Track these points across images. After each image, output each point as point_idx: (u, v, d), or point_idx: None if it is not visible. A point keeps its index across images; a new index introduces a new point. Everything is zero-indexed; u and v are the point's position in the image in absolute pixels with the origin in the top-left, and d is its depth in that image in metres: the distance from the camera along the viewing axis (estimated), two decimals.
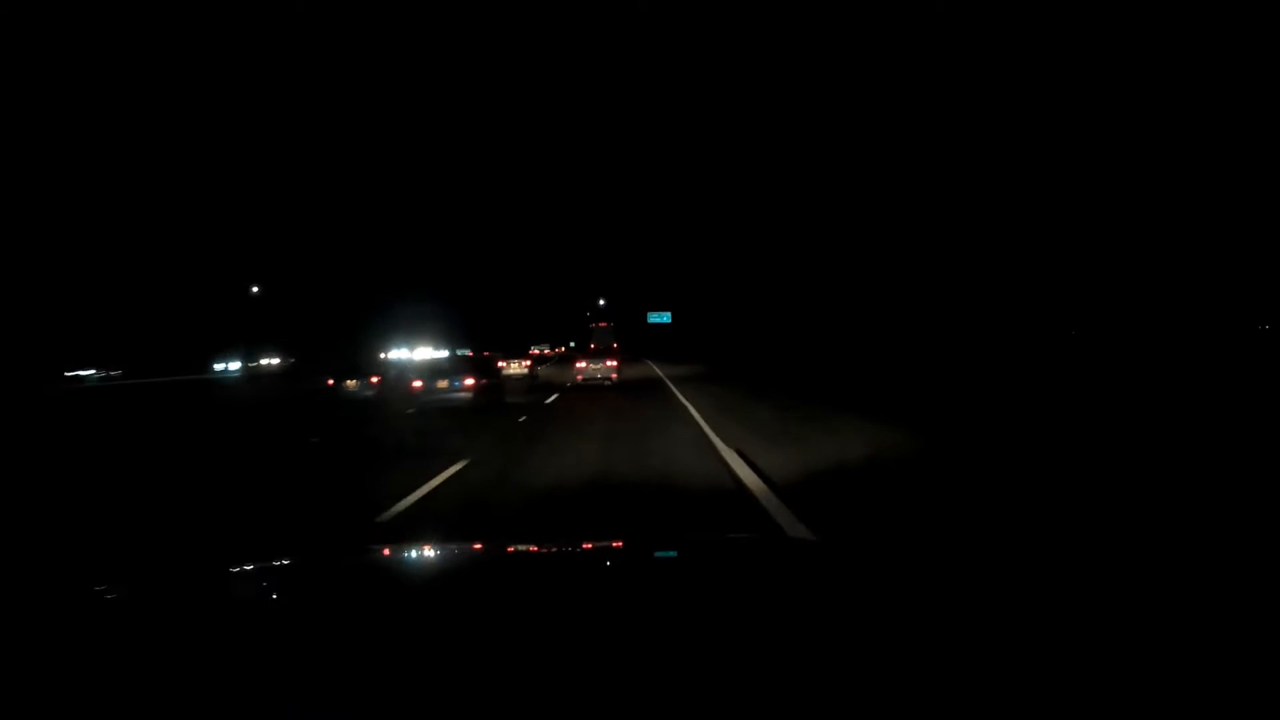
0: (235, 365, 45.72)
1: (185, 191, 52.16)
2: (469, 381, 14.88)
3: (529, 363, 30.90)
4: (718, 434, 9.32)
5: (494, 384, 16.69)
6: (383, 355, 34.20)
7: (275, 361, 47.95)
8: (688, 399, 15.23)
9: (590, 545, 1.70)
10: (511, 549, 1.84)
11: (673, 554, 1.67)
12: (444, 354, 41.30)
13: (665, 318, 63.18)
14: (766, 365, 29.60)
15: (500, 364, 20.94)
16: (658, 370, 32.36)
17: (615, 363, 22.47)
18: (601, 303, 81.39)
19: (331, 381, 17.96)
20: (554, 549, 1.73)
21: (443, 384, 14.91)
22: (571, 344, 68.84)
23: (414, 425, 12.44)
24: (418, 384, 15.50)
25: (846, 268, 33.60)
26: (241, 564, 1.50)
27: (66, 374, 39.94)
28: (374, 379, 17.85)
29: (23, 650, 0.98)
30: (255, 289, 51.43)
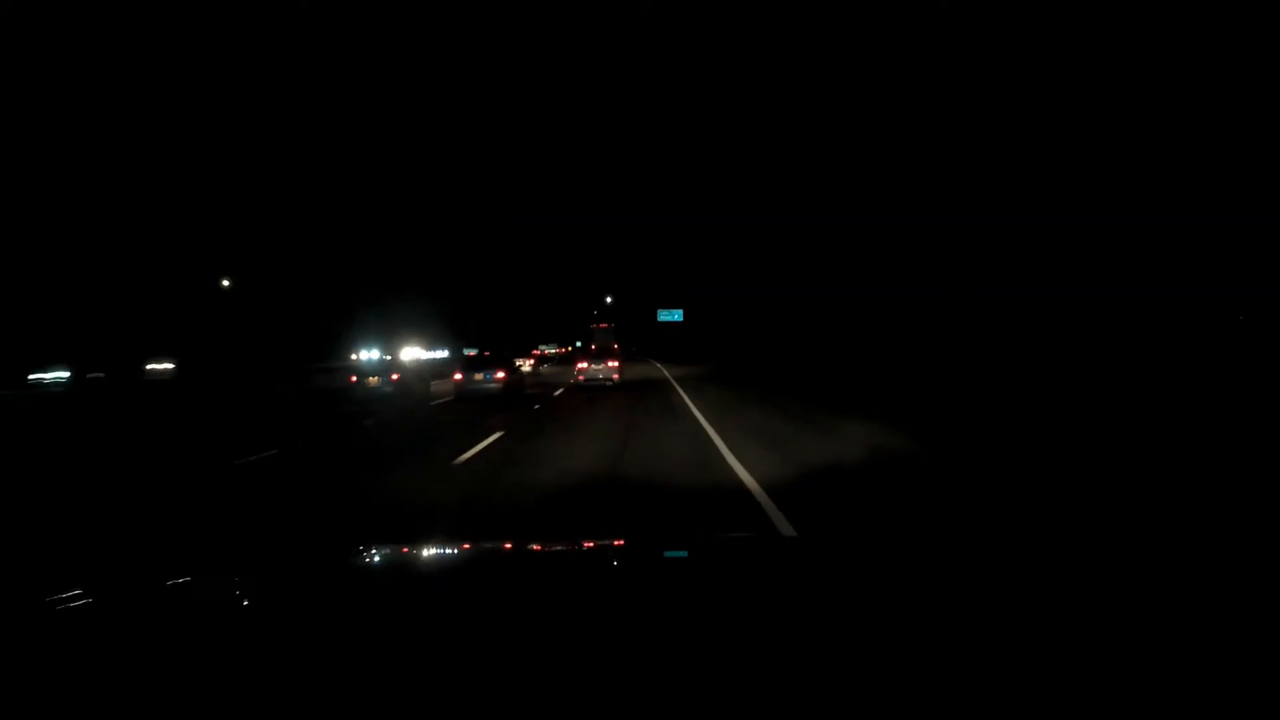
0: (62, 374, 36.48)
1: (161, 188, 48.10)
2: (500, 375, 19.37)
3: (532, 361, 34.98)
4: (719, 434, 10.00)
5: (517, 378, 20.91)
6: (353, 356, 34.08)
7: (166, 367, 40.57)
8: (690, 399, 16.11)
9: (590, 544, 1.79)
10: (512, 548, 1.91)
11: (669, 553, 1.78)
12: (444, 354, 43.12)
13: (676, 315, 61.60)
14: (782, 366, 29.75)
15: (516, 362, 24.05)
16: (664, 371, 32.88)
17: (617, 363, 23.14)
18: (608, 300, 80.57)
19: (354, 379, 19.74)
20: (550, 549, 1.82)
21: (479, 377, 19.44)
22: (578, 344, 68.98)
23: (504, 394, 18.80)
24: (458, 377, 19.82)
25: (860, 265, 34.39)
26: (244, 562, 1.46)
27: None
28: (394, 376, 19.63)
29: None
30: (226, 283, 44.05)
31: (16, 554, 5.13)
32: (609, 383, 22.30)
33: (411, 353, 38.84)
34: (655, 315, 62.61)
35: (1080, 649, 0.93)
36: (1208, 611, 1.06)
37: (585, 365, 23.23)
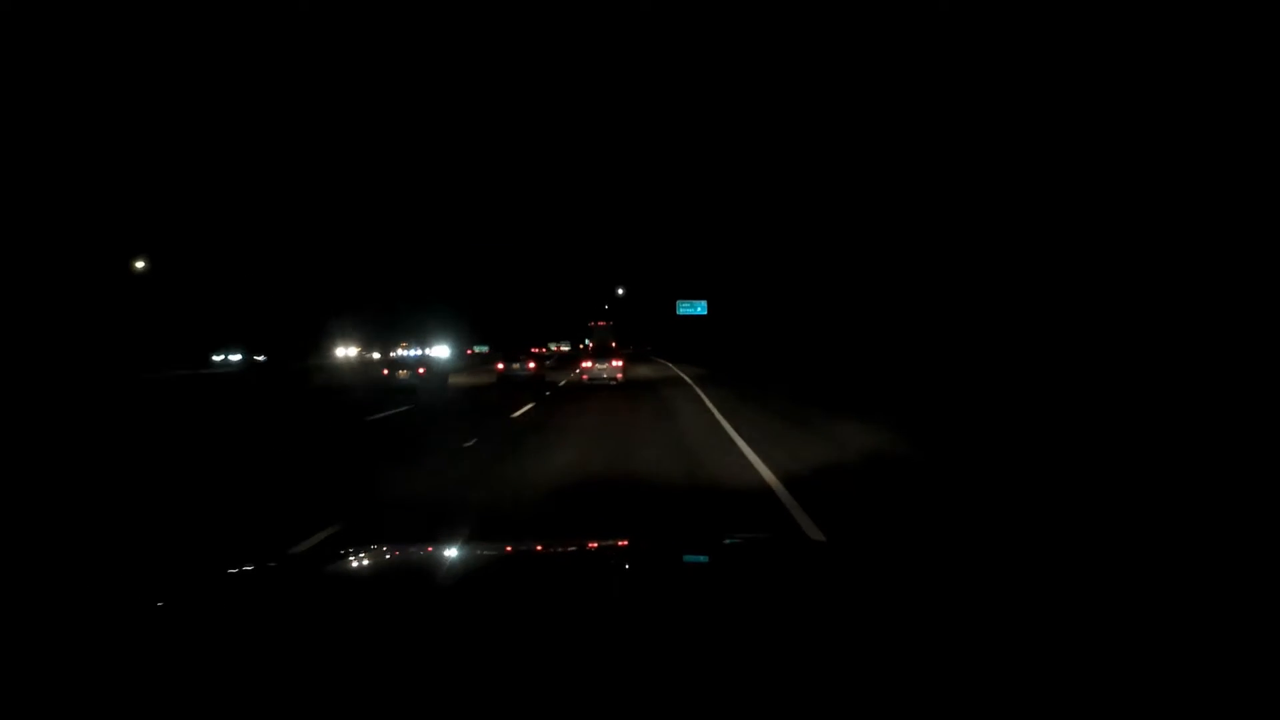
0: None
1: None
2: (531, 366, 25.38)
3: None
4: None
5: (542, 368, 27.27)
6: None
7: None
8: (705, 398, 16.66)
9: (595, 544, 1.82)
10: (515, 548, 1.92)
11: (678, 554, 1.81)
12: (446, 352, 44.52)
13: (699, 308, 57.99)
14: (821, 367, 29.93)
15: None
16: (677, 370, 33.46)
17: (621, 362, 25.05)
18: (620, 292, 77.54)
19: (386, 371, 22.85)
20: (557, 549, 1.85)
21: (515, 366, 25.39)
22: (588, 342, 69.22)
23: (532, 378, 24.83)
24: (500, 366, 26.02)
25: (879, 261, 34.30)
26: (241, 563, 1.53)
27: None
28: (420, 370, 21.73)
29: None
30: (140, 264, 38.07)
31: None
32: (612, 382, 24.22)
33: (346, 350, 39.40)
34: (674, 308, 60.45)
35: (1126, 670, 0.93)
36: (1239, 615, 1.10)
37: (590, 364, 25.59)
